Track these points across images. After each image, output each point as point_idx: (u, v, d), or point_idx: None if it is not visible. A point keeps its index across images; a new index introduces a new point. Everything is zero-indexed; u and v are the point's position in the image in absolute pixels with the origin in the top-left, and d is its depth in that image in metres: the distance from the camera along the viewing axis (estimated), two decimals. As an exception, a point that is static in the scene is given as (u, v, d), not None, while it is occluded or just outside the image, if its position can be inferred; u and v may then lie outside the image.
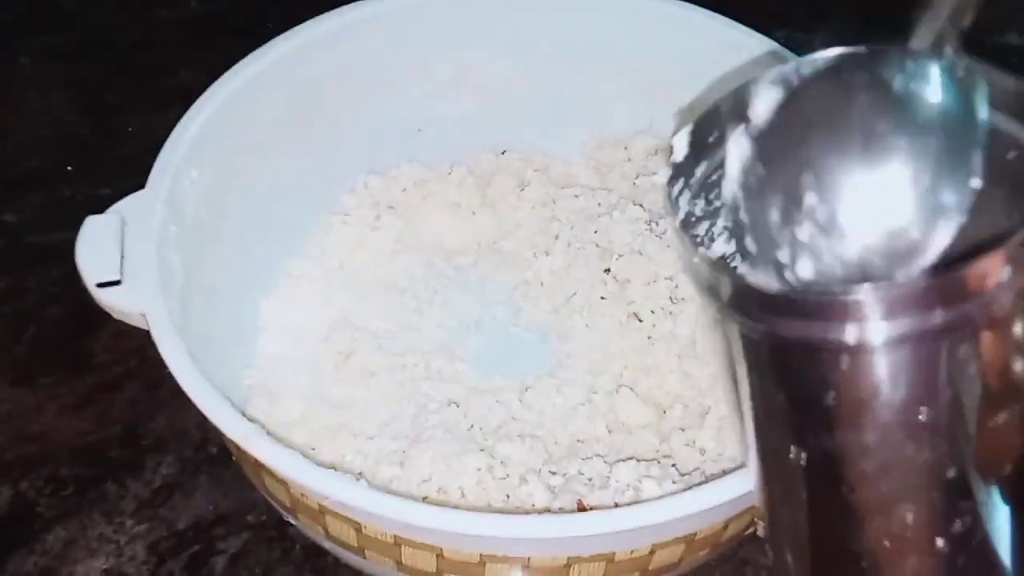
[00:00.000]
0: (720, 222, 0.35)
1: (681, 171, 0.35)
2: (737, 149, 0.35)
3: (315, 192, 0.60)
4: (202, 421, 0.57)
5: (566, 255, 0.60)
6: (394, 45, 0.59)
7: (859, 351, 0.30)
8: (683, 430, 0.52)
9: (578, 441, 0.52)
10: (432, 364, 0.55)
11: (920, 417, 0.31)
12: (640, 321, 0.56)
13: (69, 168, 0.69)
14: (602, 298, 0.58)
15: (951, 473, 0.32)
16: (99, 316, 0.62)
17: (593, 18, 0.60)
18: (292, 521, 0.47)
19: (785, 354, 0.31)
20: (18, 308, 0.62)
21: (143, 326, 0.45)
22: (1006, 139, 0.33)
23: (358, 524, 0.42)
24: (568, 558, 0.41)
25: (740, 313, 0.31)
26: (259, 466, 0.42)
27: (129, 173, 0.69)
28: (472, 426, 0.52)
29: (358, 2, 0.58)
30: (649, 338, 0.56)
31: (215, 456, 0.56)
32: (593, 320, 0.57)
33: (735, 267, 0.34)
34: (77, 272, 0.64)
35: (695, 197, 0.35)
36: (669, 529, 0.41)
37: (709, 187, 0.35)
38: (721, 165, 0.35)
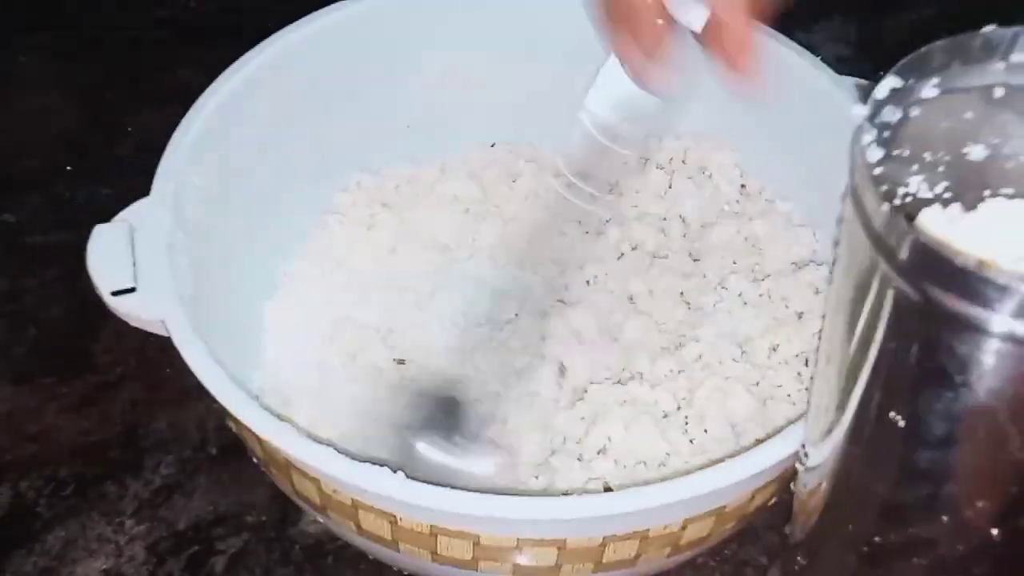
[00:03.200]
0: (910, 176, 0.35)
1: (875, 112, 0.34)
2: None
3: (309, 193, 0.60)
4: (201, 421, 0.58)
5: (562, 244, 0.60)
6: (381, 44, 0.60)
7: (1006, 341, 0.30)
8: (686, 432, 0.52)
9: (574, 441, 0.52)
10: (437, 360, 0.55)
11: None
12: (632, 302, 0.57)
13: (68, 168, 0.69)
14: (597, 278, 0.58)
15: None
16: (99, 316, 0.61)
17: (577, 9, 0.60)
18: (321, 520, 0.47)
19: (936, 324, 0.31)
20: (18, 308, 0.62)
21: (160, 332, 0.45)
22: None
23: (393, 516, 0.42)
24: (603, 538, 0.42)
25: (905, 276, 0.31)
26: (288, 465, 0.42)
27: (128, 173, 0.69)
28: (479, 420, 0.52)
29: (344, 1, 0.58)
30: (658, 324, 0.56)
31: (215, 456, 0.56)
32: (591, 309, 0.57)
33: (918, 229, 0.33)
34: (77, 272, 0.63)
35: (880, 145, 0.34)
36: (701, 503, 0.42)
37: (895, 137, 0.35)
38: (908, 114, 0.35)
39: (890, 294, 0.32)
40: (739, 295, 0.57)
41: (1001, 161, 0.35)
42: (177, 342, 0.44)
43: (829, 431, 0.37)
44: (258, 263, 0.57)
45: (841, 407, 0.36)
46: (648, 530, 0.42)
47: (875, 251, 0.32)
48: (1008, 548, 0.34)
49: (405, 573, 0.51)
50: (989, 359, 0.30)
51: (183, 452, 0.56)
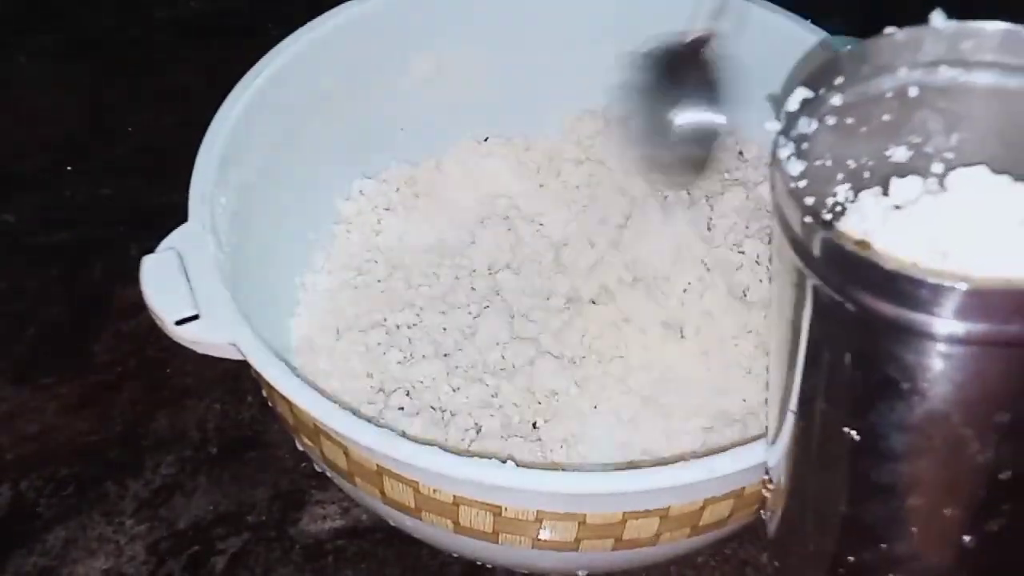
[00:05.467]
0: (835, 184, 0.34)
1: (789, 125, 0.34)
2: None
3: (313, 204, 0.60)
4: (201, 421, 0.58)
5: (565, 230, 0.61)
6: (371, 50, 0.60)
7: (952, 344, 0.29)
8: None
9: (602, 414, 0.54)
10: (481, 353, 0.56)
11: (995, 419, 0.30)
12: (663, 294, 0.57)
13: (68, 168, 0.69)
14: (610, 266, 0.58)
15: (1005, 475, 0.32)
16: (99, 316, 0.62)
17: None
18: (347, 488, 0.48)
19: (873, 332, 0.30)
20: (18, 308, 0.62)
21: (229, 356, 0.45)
22: None
23: (415, 483, 0.43)
24: (623, 514, 0.43)
25: (833, 284, 0.30)
26: (318, 432, 0.43)
27: (128, 173, 0.70)
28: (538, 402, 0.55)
29: (330, 13, 0.58)
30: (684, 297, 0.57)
31: (215, 456, 0.56)
32: (610, 292, 0.57)
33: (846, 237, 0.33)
34: (77, 272, 0.64)
35: (796, 154, 0.33)
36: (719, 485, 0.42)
37: (813, 148, 0.34)
38: (821, 122, 0.34)
39: (824, 307, 0.31)
40: (755, 259, 0.57)
41: (925, 160, 0.35)
42: (254, 363, 0.44)
43: (776, 437, 0.37)
44: (275, 280, 0.56)
45: (784, 415, 0.36)
46: (669, 508, 0.42)
47: (804, 267, 0.31)
48: (983, 554, 0.34)
49: (405, 569, 0.51)
50: (935, 363, 0.30)
51: (183, 452, 0.56)
